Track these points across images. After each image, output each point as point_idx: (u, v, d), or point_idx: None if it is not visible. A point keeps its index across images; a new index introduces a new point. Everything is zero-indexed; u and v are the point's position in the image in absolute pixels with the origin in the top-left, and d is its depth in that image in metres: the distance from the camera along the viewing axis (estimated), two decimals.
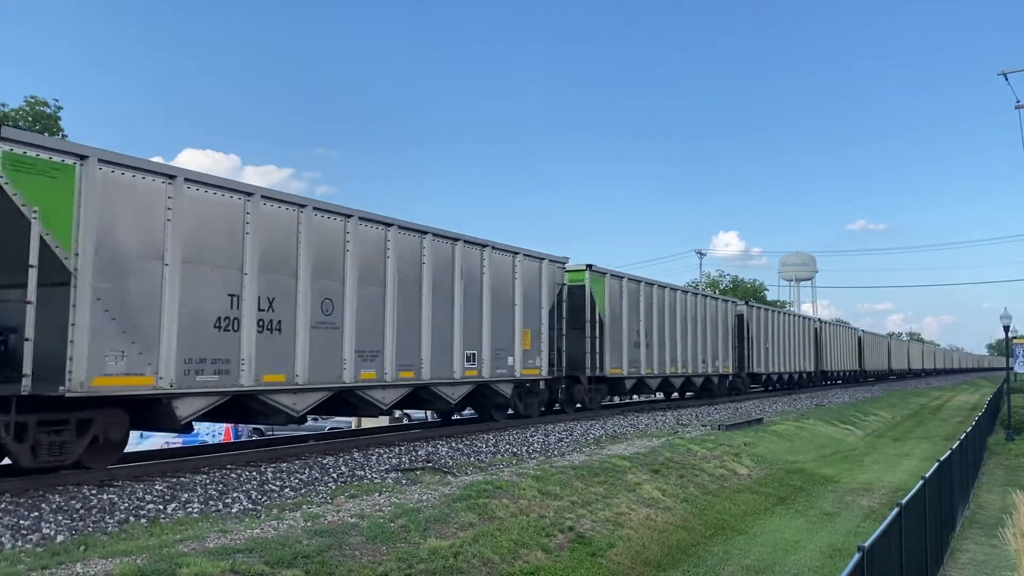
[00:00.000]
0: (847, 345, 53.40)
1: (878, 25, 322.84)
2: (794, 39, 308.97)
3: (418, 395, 15.19)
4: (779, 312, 41.21)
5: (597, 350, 21.28)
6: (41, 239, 9.16)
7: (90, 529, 7.75)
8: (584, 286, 20.97)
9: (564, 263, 19.89)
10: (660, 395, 29.36)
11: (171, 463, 11.11)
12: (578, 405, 21.64)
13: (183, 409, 10.66)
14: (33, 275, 9.02)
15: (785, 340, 39.25)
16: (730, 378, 32.17)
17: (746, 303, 35.71)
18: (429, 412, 21.07)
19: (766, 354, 35.87)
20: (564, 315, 19.73)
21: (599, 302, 21.49)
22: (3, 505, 8.24)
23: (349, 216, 13.36)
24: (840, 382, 52.42)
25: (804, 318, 46.07)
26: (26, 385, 8.85)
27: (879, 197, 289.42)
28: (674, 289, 27.16)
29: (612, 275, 22.53)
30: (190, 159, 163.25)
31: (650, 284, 25.13)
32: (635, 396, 28.34)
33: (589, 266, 21.32)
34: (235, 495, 9.55)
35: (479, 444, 14.65)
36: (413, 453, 13.26)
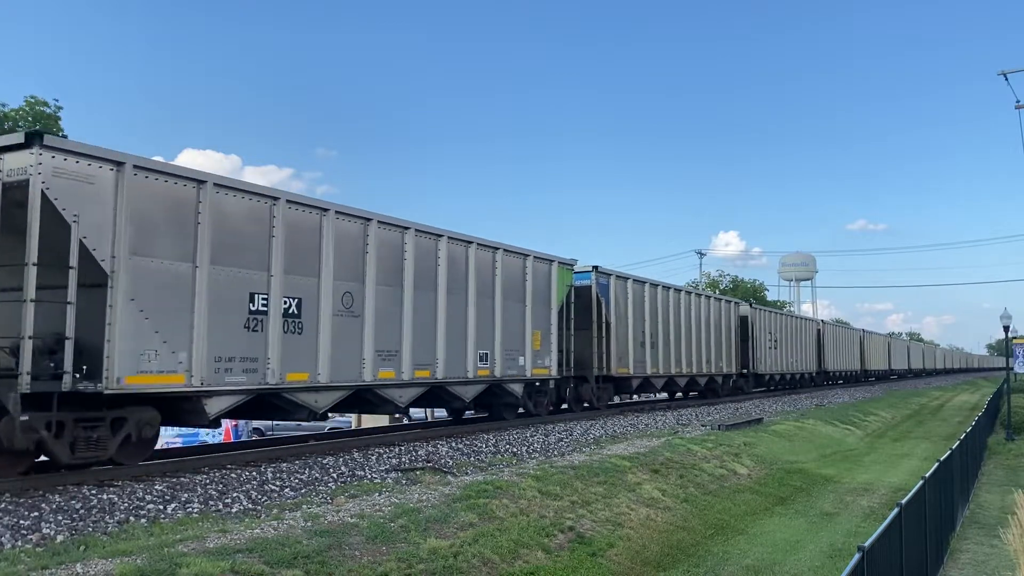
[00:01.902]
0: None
1: (878, 25, 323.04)
2: (794, 39, 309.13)
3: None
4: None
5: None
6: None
7: (90, 529, 7.74)
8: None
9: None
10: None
11: (171, 463, 11.11)
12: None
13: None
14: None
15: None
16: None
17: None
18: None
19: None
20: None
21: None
22: (3, 505, 8.24)
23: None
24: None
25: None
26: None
27: (879, 197, 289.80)
28: (780, 313, 39.78)
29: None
30: (190, 159, 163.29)
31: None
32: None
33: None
34: (235, 495, 9.55)
35: (479, 444, 14.65)
36: (413, 453, 13.26)
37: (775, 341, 37.00)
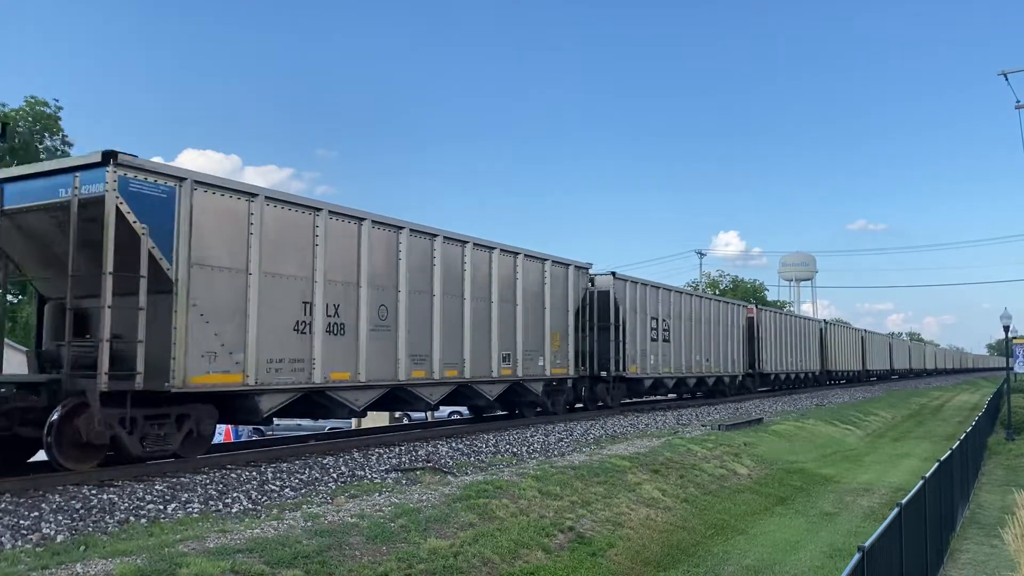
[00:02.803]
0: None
1: (878, 25, 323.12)
2: (794, 39, 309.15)
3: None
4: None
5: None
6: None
7: (90, 529, 7.74)
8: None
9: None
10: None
11: (171, 463, 11.11)
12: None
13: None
14: None
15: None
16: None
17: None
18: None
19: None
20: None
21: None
22: (3, 505, 8.24)
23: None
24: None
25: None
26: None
27: (879, 197, 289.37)
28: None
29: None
30: (191, 160, 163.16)
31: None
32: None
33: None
34: (235, 495, 9.55)
35: (479, 444, 14.66)
36: (413, 453, 13.27)
37: (665, 331, 26.56)
